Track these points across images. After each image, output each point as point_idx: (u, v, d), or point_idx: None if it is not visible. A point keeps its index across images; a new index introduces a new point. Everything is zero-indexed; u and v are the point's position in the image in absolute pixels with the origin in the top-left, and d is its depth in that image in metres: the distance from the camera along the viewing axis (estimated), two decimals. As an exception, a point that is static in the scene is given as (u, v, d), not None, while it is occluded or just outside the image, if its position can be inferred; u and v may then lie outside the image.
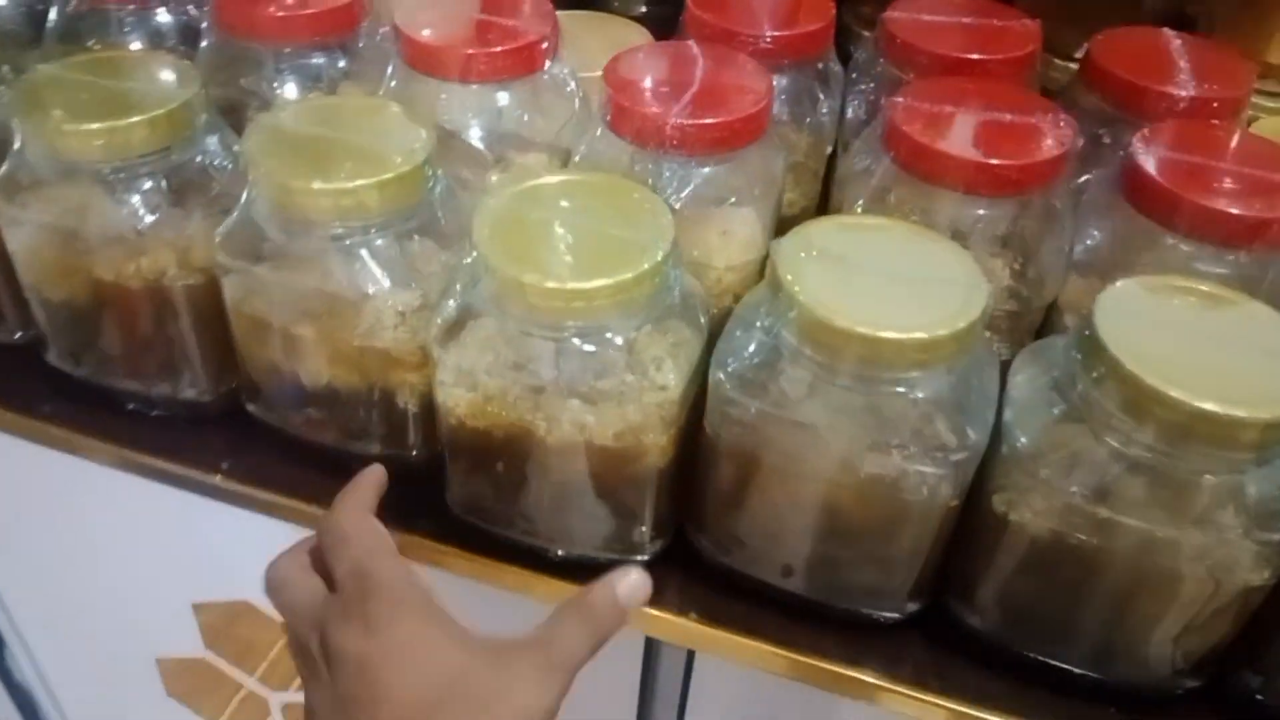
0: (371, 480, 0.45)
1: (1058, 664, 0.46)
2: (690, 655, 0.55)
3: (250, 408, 0.54)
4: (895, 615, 0.48)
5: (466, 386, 0.44)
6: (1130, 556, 0.41)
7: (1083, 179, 0.52)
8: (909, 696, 0.47)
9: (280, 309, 0.49)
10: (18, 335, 0.58)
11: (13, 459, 0.60)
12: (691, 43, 0.51)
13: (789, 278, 0.40)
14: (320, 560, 0.42)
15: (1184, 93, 0.51)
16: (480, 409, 0.44)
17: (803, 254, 0.42)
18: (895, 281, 0.41)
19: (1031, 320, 0.49)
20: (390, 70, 0.54)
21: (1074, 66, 0.63)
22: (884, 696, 0.48)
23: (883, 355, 0.39)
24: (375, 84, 0.56)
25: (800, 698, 0.51)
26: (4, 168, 0.50)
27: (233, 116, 0.55)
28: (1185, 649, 0.44)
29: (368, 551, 0.40)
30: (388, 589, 0.39)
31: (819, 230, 0.43)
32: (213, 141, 0.51)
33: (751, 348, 0.43)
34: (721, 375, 0.43)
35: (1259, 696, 0.46)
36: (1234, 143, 0.48)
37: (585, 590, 0.40)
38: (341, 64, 0.56)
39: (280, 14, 0.53)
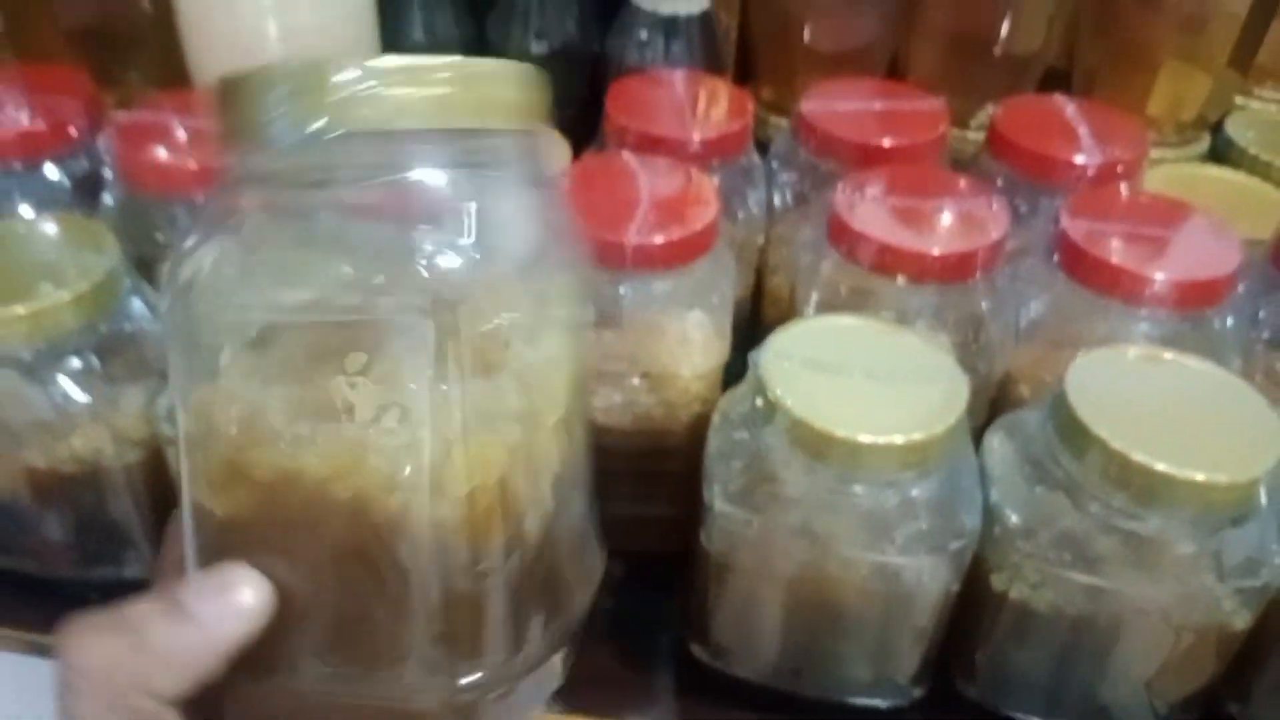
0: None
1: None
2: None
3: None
4: (901, 703, 0.48)
5: None
6: (1123, 617, 0.43)
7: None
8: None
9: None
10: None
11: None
12: (627, 154, 0.52)
13: (779, 391, 0.41)
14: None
15: (1091, 160, 0.54)
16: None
17: (785, 364, 0.42)
18: (878, 382, 0.42)
19: (987, 393, 0.51)
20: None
21: (970, 135, 0.67)
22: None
23: (878, 458, 0.40)
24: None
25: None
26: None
27: (145, 272, 0.52)
28: (1180, 693, 0.46)
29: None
30: None
31: (794, 337, 0.44)
32: (137, 305, 0.48)
33: (742, 462, 0.43)
34: (716, 491, 0.43)
35: (1238, 722, 0.49)
36: (1149, 206, 0.51)
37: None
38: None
39: (195, 166, 0.50)
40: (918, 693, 0.48)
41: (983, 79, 0.65)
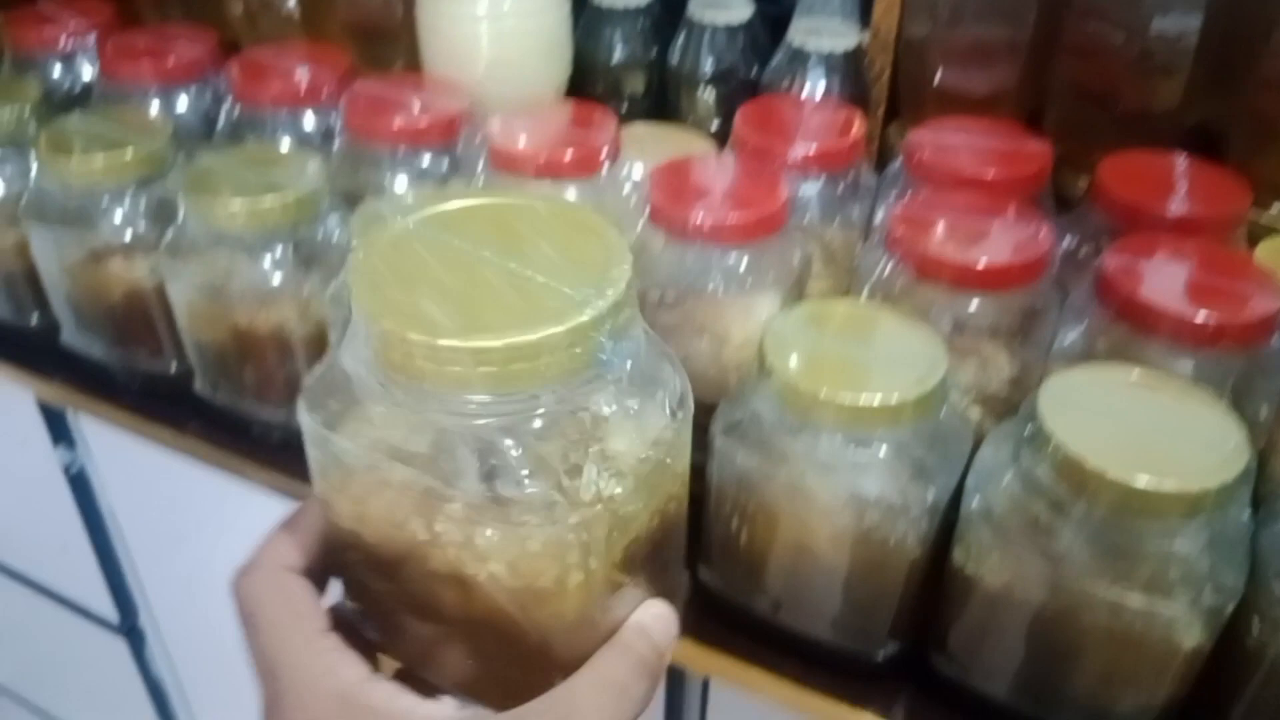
0: (308, 521, 0.35)
1: (1025, 713, 0.50)
2: (706, 685, 0.61)
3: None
4: (874, 653, 0.53)
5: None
6: (1075, 614, 0.45)
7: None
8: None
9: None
10: (173, 367, 0.70)
11: (160, 472, 0.72)
12: (729, 153, 0.60)
13: (778, 362, 0.48)
14: None
15: (1172, 211, 0.56)
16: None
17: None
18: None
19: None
20: (479, 169, 0.65)
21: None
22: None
23: (862, 422, 0.46)
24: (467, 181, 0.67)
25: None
26: (170, 235, 0.63)
27: (352, 200, 0.66)
28: (1136, 701, 0.47)
29: (276, 640, 0.33)
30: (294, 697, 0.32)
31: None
32: (334, 220, 0.62)
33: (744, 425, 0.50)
34: (721, 439, 0.50)
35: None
36: (1201, 255, 0.53)
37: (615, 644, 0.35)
38: (445, 164, 0.67)
39: (398, 123, 0.65)
40: (891, 649, 0.53)
41: (1112, 132, 0.67)
